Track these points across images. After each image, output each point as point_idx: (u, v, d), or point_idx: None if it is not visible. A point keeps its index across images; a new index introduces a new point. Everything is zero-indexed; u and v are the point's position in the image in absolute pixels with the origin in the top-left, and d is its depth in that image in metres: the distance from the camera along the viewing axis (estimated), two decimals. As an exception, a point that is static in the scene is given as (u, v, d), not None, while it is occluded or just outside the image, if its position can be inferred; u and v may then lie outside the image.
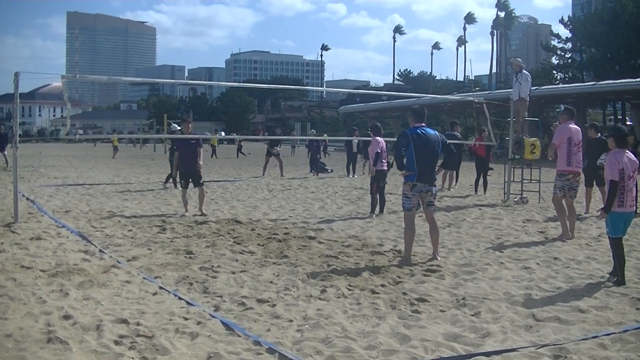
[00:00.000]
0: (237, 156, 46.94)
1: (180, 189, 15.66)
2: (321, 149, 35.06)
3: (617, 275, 8.27)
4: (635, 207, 8.62)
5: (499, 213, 15.40)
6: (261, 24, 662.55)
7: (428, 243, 10.49)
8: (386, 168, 15.27)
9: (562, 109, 13.28)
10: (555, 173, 12.32)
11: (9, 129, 32.08)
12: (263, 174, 27.70)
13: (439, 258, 9.78)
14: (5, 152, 29.07)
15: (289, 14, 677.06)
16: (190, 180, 14.97)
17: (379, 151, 14.88)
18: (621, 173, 8.25)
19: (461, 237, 11.96)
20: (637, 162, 8.53)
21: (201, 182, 15.04)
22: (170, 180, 20.83)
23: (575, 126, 12.45)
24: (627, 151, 8.48)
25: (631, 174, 8.35)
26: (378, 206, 15.09)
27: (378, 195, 15.11)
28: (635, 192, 8.50)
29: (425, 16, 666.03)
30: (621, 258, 8.31)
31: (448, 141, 10.48)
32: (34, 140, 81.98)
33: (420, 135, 9.73)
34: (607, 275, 8.52)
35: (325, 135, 57.85)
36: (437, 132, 10.14)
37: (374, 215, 14.76)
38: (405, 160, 9.81)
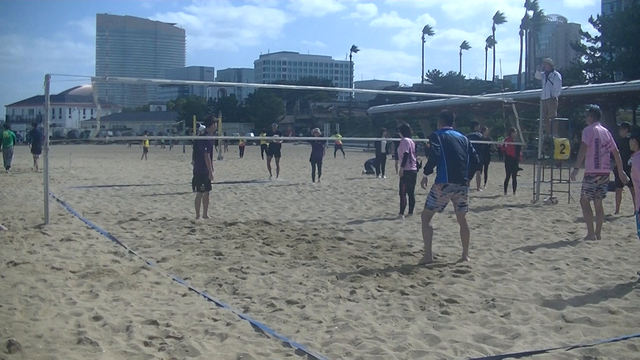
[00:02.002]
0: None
1: (200, 192, 14.53)
2: (325, 149, 33.64)
3: (649, 277, 8.19)
4: None
5: (528, 213, 15.29)
6: (291, 25, 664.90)
7: (457, 244, 10.44)
8: (415, 169, 15.22)
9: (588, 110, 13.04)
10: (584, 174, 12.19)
11: (41, 130, 32.36)
12: (270, 174, 27.33)
13: (468, 259, 9.72)
14: (40, 155, 29.21)
15: (319, 15, 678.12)
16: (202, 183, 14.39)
17: (408, 152, 14.84)
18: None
19: (490, 238, 11.89)
20: None
21: (209, 187, 14.48)
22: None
23: (602, 127, 12.29)
24: None
25: None
26: (407, 207, 15.06)
27: (407, 196, 15.07)
28: None
29: (456, 16, 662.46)
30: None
31: (471, 141, 10.41)
32: (64, 142, 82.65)
33: (448, 136, 9.76)
34: (638, 276, 8.43)
35: (339, 135, 57.65)
36: (463, 136, 10.12)
37: (403, 216, 14.72)
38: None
